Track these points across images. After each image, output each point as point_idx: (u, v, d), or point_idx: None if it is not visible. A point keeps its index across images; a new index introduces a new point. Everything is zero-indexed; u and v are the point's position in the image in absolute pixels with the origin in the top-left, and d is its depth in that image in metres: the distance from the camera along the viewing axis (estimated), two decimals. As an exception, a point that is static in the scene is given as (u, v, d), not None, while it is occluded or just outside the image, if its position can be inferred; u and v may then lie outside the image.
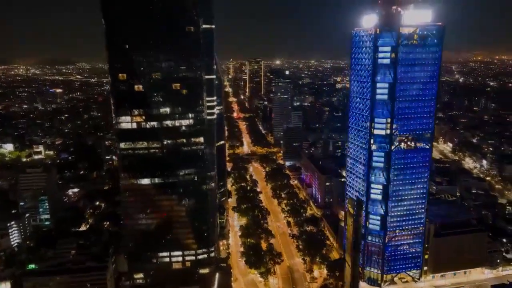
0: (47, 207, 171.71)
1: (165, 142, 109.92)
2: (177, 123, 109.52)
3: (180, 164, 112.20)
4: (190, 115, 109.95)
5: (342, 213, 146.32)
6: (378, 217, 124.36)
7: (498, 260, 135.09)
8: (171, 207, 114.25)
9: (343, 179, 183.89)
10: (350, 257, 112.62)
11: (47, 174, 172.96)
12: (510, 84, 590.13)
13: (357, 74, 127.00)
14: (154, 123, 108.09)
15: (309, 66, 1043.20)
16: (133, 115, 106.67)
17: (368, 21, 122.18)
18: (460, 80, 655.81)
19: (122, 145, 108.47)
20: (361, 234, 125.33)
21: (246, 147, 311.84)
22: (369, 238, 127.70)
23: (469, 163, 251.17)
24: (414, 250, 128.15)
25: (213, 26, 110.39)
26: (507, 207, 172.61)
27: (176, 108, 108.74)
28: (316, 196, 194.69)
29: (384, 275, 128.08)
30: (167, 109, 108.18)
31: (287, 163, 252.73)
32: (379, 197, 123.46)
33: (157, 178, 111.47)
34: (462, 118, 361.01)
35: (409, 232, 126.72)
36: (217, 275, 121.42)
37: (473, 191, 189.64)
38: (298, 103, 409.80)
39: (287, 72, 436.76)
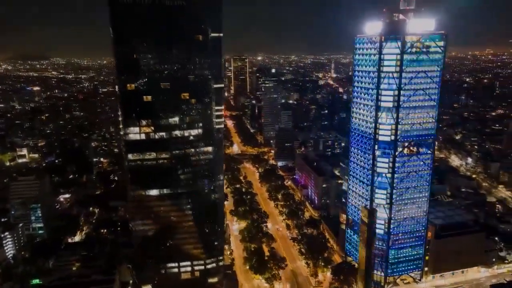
0: (40, 215, 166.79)
1: (174, 152, 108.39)
2: (186, 133, 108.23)
3: (189, 174, 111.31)
4: (199, 124, 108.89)
5: (344, 216, 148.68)
6: (382, 222, 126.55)
7: (494, 259, 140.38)
8: (180, 217, 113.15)
9: (340, 181, 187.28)
10: (363, 264, 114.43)
11: (40, 181, 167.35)
12: (485, 80, 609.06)
13: (360, 80, 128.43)
14: (163, 134, 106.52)
15: (290, 61, 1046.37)
16: (142, 126, 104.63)
17: (372, 28, 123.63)
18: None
19: (130, 156, 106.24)
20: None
21: (236, 147, 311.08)
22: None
23: (455, 160, 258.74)
24: (416, 253, 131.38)
25: (221, 35, 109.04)
26: (497, 206, 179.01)
27: (185, 117, 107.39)
28: (312, 197, 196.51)
29: (387, 277, 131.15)
30: (176, 119, 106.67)
31: (279, 163, 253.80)
32: (383, 202, 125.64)
33: (165, 189, 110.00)
34: (444, 115, 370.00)
35: (412, 235, 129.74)
36: (224, 283, 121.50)
37: (463, 190, 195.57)
38: (283, 100, 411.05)
39: (273, 70, 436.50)
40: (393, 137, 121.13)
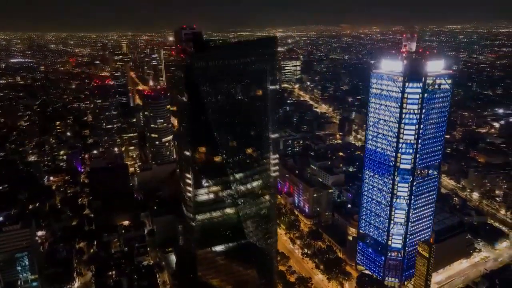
0: (27, 264, 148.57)
1: (238, 207, 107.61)
2: (249, 185, 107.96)
3: (249, 225, 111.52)
4: (259, 175, 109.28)
5: (352, 229, 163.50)
6: (400, 237, 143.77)
7: (471, 251, 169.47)
8: (242, 266, 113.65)
9: (330, 190, 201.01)
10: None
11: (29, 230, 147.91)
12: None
13: (378, 112, 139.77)
14: (229, 190, 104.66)
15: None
16: (210, 186, 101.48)
17: (389, 66, 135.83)
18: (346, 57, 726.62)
19: (198, 217, 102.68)
20: (386, 251, 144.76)
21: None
22: (390, 254, 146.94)
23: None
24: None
25: (277, 86, 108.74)
26: (455, 198, 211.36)
27: (248, 171, 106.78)
28: (300, 205, 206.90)
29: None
30: (241, 174, 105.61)
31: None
32: (402, 220, 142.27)
33: (230, 243, 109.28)
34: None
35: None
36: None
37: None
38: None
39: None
40: (412, 165, 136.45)
